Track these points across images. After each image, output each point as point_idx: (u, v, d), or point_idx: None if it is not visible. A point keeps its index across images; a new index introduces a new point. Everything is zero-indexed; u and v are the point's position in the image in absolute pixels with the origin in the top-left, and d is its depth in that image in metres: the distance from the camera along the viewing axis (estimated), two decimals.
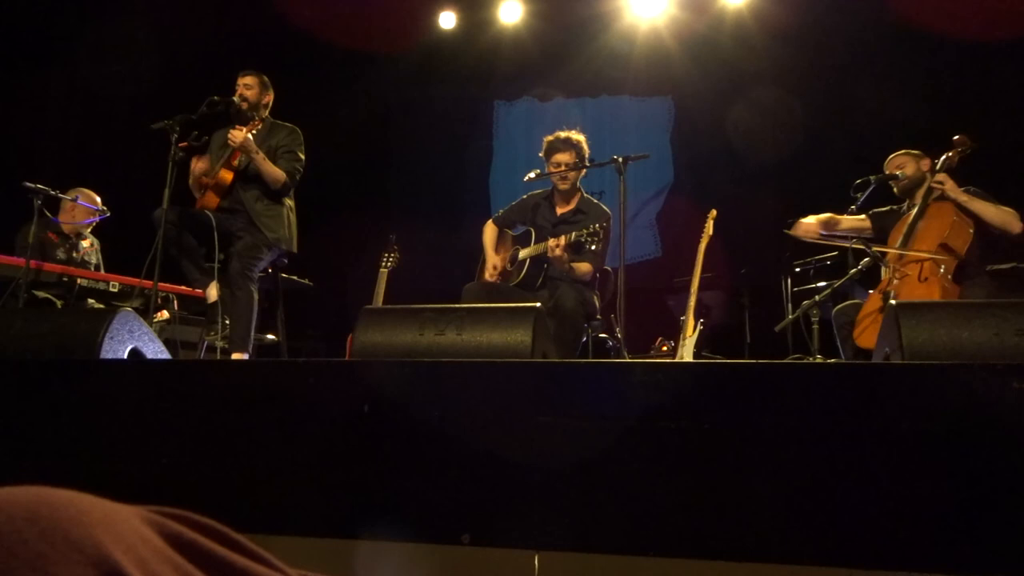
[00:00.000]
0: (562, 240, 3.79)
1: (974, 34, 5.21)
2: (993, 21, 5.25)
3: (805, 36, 6.19)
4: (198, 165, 4.11)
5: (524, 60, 7.18)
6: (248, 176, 4.03)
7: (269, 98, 4.26)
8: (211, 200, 4.00)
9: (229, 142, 3.93)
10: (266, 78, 4.25)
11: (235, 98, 4.11)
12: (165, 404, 1.82)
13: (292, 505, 1.67)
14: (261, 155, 3.96)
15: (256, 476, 1.72)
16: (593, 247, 3.79)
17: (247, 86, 4.16)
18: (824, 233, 3.94)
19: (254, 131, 4.01)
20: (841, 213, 4.21)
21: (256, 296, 3.85)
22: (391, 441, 1.66)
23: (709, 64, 6.63)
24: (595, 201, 4.28)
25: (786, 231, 4.02)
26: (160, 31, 6.32)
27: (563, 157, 4.14)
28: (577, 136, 4.19)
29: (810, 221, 3.99)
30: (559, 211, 4.24)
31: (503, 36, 7.19)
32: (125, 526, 0.34)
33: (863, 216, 3.99)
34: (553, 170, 4.17)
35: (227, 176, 3.99)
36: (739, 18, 6.53)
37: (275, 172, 4.00)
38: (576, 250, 3.90)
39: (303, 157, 4.18)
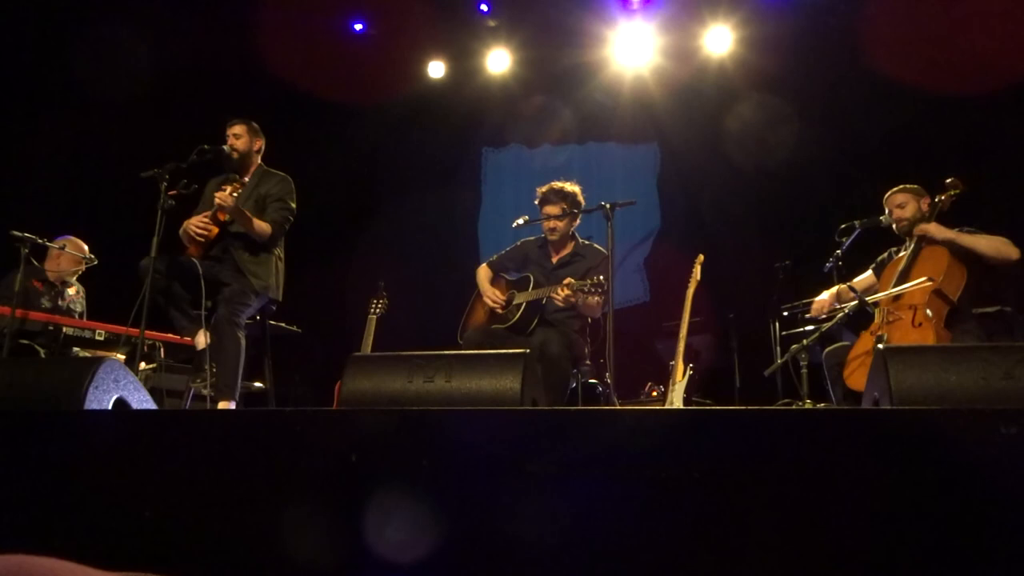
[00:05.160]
0: (567, 290, 3.78)
1: (951, 85, 5.33)
2: (967, 73, 5.38)
3: (786, 84, 6.31)
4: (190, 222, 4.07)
5: (512, 108, 7.28)
6: (235, 229, 4.04)
7: (260, 143, 4.29)
8: (196, 251, 3.99)
9: (216, 203, 3.93)
10: (255, 124, 4.27)
11: (225, 147, 4.12)
12: (150, 456, 1.79)
13: (279, 556, 1.64)
14: (246, 215, 3.96)
15: (242, 527, 1.69)
16: (595, 298, 3.80)
17: (236, 135, 4.18)
18: (838, 305, 3.92)
19: (236, 192, 4.02)
20: (826, 260, 4.25)
21: (243, 343, 3.82)
22: (379, 491, 1.64)
23: (694, 111, 6.75)
24: (589, 243, 4.31)
25: (806, 316, 4.04)
26: (149, 80, 6.37)
27: (552, 209, 4.17)
28: (571, 187, 4.23)
29: (823, 299, 4.01)
30: (555, 258, 4.27)
31: (491, 85, 7.31)
32: None
33: (869, 272, 4.01)
34: (544, 223, 4.20)
35: (214, 230, 4.00)
36: (722, 67, 6.66)
37: (261, 227, 4.00)
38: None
39: (293, 206, 4.19)
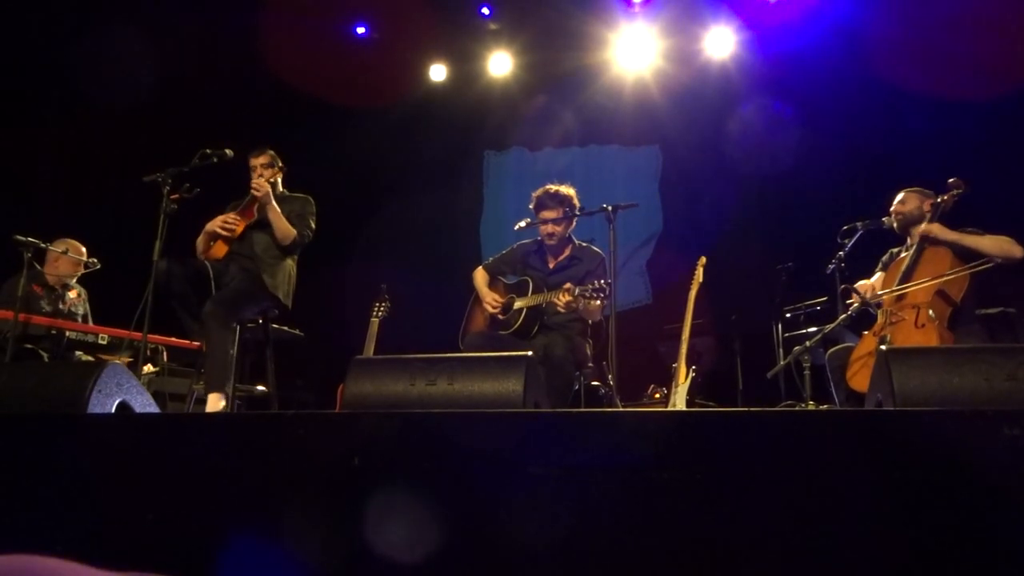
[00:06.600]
0: (568, 295, 3.76)
1: (953, 87, 5.33)
2: (969, 76, 5.39)
3: (788, 87, 6.31)
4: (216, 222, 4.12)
5: (513, 110, 7.29)
6: (260, 227, 4.10)
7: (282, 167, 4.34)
8: (220, 249, 4.02)
9: (253, 192, 4.02)
10: (272, 151, 4.31)
11: (252, 177, 4.18)
12: (153, 459, 1.79)
13: (281, 559, 1.64)
14: (276, 209, 4.05)
15: (244, 530, 1.69)
16: (596, 302, 3.77)
17: (266, 165, 4.22)
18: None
19: (274, 178, 4.14)
20: (828, 261, 4.23)
21: (233, 336, 3.80)
22: (382, 494, 1.64)
23: (695, 114, 6.74)
24: (586, 245, 4.29)
25: (847, 302, 3.98)
26: (152, 84, 6.39)
27: (550, 214, 4.13)
28: (566, 190, 4.15)
29: (867, 283, 3.85)
30: (552, 262, 4.23)
31: (493, 87, 7.32)
32: None
33: (879, 274, 3.98)
34: (541, 227, 4.16)
35: (241, 226, 4.04)
36: (724, 70, 6.66)
37: (287, 227, 4.09)
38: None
39: (313, 225, 4.27)
